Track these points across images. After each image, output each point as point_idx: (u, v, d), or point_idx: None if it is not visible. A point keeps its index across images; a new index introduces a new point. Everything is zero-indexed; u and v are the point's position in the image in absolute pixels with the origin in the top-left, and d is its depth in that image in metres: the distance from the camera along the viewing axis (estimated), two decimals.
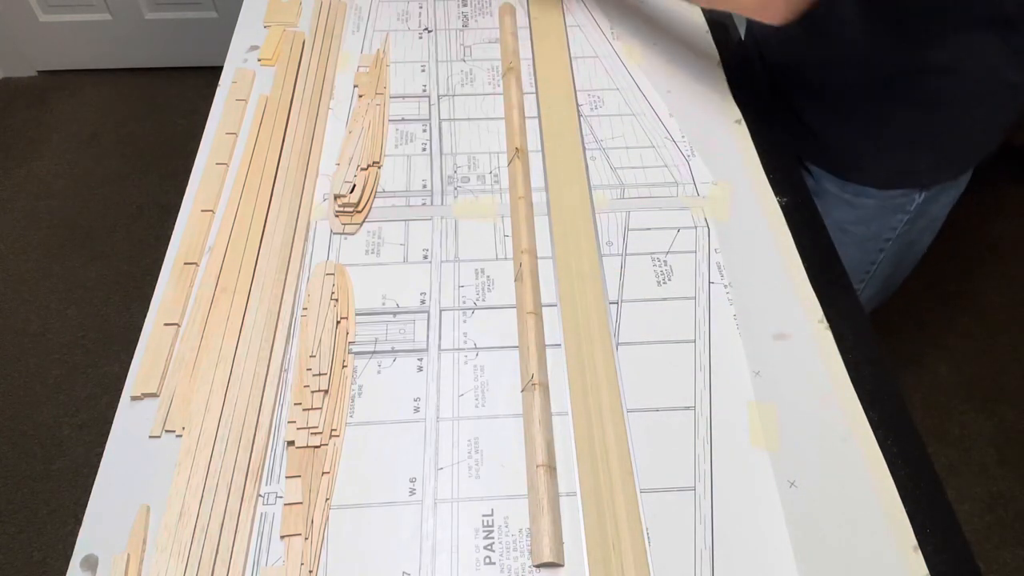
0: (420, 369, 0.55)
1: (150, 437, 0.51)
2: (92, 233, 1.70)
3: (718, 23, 0.83)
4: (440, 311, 0.58)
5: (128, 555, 0.45)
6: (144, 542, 0.46)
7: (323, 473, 0.49)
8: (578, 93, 0.76)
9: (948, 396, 1.45)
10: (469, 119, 0.74)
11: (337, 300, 0.58)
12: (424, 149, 0.71)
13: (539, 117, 0.73)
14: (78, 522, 0.47)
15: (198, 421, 0.51)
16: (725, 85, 0.77)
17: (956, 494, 1.32)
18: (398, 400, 0.53)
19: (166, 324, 0.56)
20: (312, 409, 0.51)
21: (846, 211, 0.77)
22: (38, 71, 2.06)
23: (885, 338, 1.45)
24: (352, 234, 0.64)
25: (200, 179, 0.67)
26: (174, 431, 0.51)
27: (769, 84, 0.81)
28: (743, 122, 0.73)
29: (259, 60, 0.78)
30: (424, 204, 0.66)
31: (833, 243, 0.64)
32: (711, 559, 0.46)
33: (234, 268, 0.60)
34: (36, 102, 2.00)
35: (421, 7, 0.87)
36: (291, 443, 0.50)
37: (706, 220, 0.65)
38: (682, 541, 0.47)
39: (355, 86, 0.77)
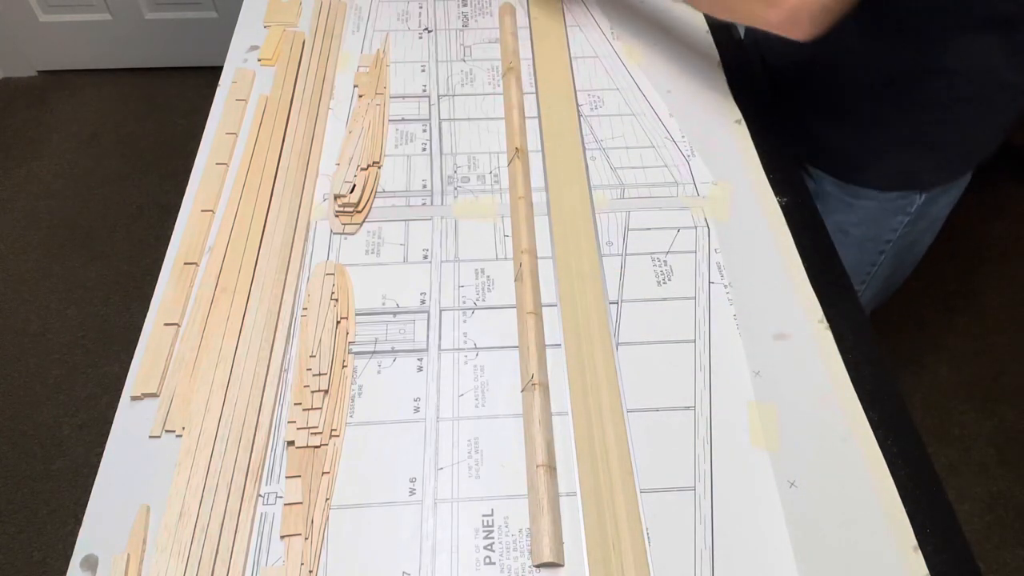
0: (420, 369, 0.55)
1: (150, 437, 0.51)
2: (92, 233, 1.70)
3: (718, 23, 0.83)
4: (440, 311, 0.58)
5: (128, 555, 0.45)
6: (144, 542, 0.46)
7: (323, 473, 0.49)
8: (578, 93, 0.76)
9: (948, 396, 1.45)
10: (469, 119, 0.74)
11: (337, 300, 0.58)
12: (424, 149, 0.71)
13: (539, 117, 0.73)
14: (78, 522, 0.47)
15: (198, 421, 0.51)
16: (725, 85, 0.77)
17: (956, 494, 1.32)
18: (398, 400, 0.53)
19: (166, 324, 0.56)
20: (312, 409, 0.51)
21: (847, 213, 0.77)
22: (38, 71, 2.06)
23: (885, 338, 1.45)
24: (352, 234, 0.64)
25: (200, 179, 0.67)
26: (174, 431, 0.51)
27: (770, 86, 0.81)
28: (743, 122, 0.73)
29: (259, 60, 0.78)
30: (424, 204, 0.66)
31: (833, 243, 0.64)
32: (711, 559, 0.46)
33: (234, 268, 0.60)
34: (36, 102, 2.00)
35: (421, 7, 0.87)
36: (291, 443, 0.50)
37: (706, 220, 0.65)
38: (682, 541, 0.47)
39: (355, 86, 0.77)
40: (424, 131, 0.73)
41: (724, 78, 0.77)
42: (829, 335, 0.57)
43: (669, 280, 0.61)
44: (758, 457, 0.51)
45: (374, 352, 0.56)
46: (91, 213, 1.74)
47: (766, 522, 0.48)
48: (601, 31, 0.84)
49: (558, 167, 0.69)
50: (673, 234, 0.64)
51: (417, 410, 0.53)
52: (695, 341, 0.57)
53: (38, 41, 1.98)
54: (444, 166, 0.69)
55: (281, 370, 0.54)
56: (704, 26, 0.83)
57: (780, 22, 0.58)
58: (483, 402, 0.53)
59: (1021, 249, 1.69)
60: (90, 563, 0.45)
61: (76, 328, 1.54)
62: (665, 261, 0.62)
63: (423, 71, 0.79)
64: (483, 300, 0.59)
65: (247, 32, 0.82)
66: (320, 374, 0.53)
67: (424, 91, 0.77)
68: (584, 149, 0.71)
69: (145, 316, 0.57)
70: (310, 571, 0.45)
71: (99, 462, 0.50)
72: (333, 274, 0.60)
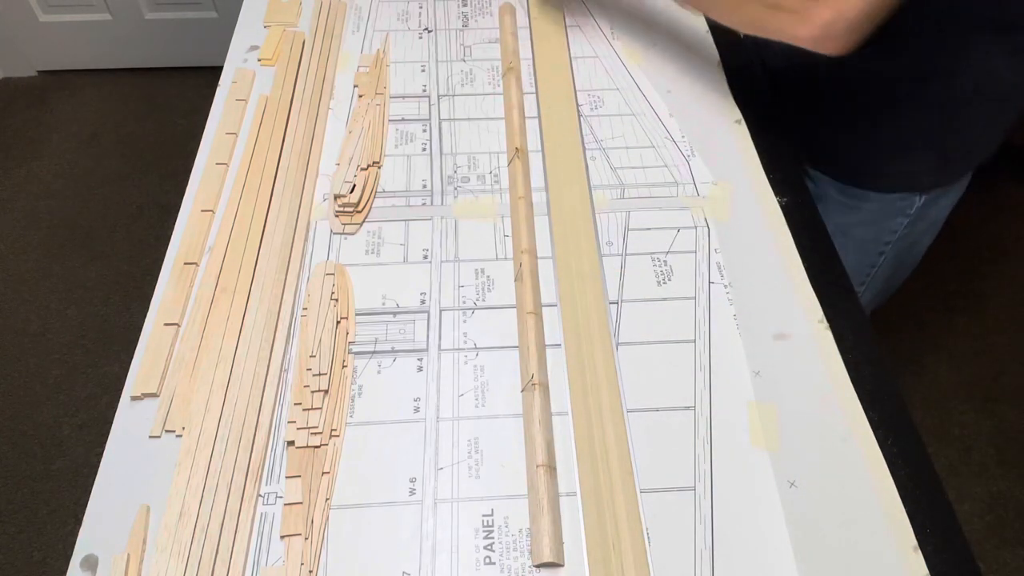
0: (420, 369, 0.55)
1: (150, 437, 0.51)
2: (92, 233, 1.70)
3: (718, 24, 0.83)
4: (440, 311, 0.58)
5: (128, 555, 0.45)
6: (144, 542, 0.46)
7: (323, 473, 0.49)
8: (578, 93, 0.76)
9: (948, 396, 1.45)
10: (469, 119, 0.74)
11: (337, 300, 0.58)
12: (424, 149, 0.71)
13: (539, 117, 0.73)
14: (78, 522, 0.47)
15: (198, 421, 0.51)
16: (725, 85, 0.77)
17: (956, 494, 1.32)
18: (398, 400, 0.53)
19: (166, 324, 0.56)
20: (312, 409, 0.51)
21: (846, 215, 0.77)
22: (38, 71, 2.06)
23: (885, 338, 1.45)
24: (352, 234, 0.64)
25: (200, 179, 0.67)
26: (174, 431, 0.51)
27: (769, 89, 0.81)
28: (743, 122, 0.73)
29: (259, 60, 0.78)
30: (424, 204, 0.66)
31: (833, 243, 0.64)
32: (711, 559, 0.46)
33: (234, 268, 0.60)
34: (36, 102, 2.00)
35: (421, 7, 0.87)
36: (291, 443, 0.50)
37: (706, 220, 0.65)
38: (682, 541, 0.47)
39: (355, 86, 0.77)
40: (424, 131, 0.73)
41: (724, 78, 0.77)
42: (829, 335, 0.57)
43: (669, 280, 0.61)
44: (758, 457, 0.51)
45: (374, 352, 0.56)
46: (91, 213, 1.74)
47: (766, 522, 0.48)
48: (601, 31, 0.84)
49: (558, 167, 0.69)
50: (673, 234, 0.64)
51: (417, 410, 0.53)
52: (695, 341, 0.57)
53: (38, 41, 1.98)
54: (444, 166, 0.69)
55: (281, 370, 0.54)
56: (704, 26, 0.83)
57: (813, 38, 0.55)
58: (483, 402, 0.53)
59: (1021, 249, 1.69)
60: (90, 563, 0.45)
61: (76, 328, 1.54)
62: (665, 261, 0.62)
63: (423, 71, 0.79)
64: (483, 300, 0.59)
65: (247, 32, 0.82)
66: (320, 374, 0.53)
67: (424, 91, 0.77)
68: (584, 149, 0.71)
69: (145, 316, 0.57)
70: (310, 571, 0.45)
71: (99, 462, 0.50)
72: (333, 274, 0.60)
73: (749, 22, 0.61)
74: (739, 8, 0.61)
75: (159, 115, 1.96)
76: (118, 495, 0.48)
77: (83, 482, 1.31)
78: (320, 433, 0.50)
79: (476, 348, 0.56)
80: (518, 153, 0.68)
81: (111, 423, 0.51)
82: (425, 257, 0.62)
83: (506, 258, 0.62)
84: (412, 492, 0.49)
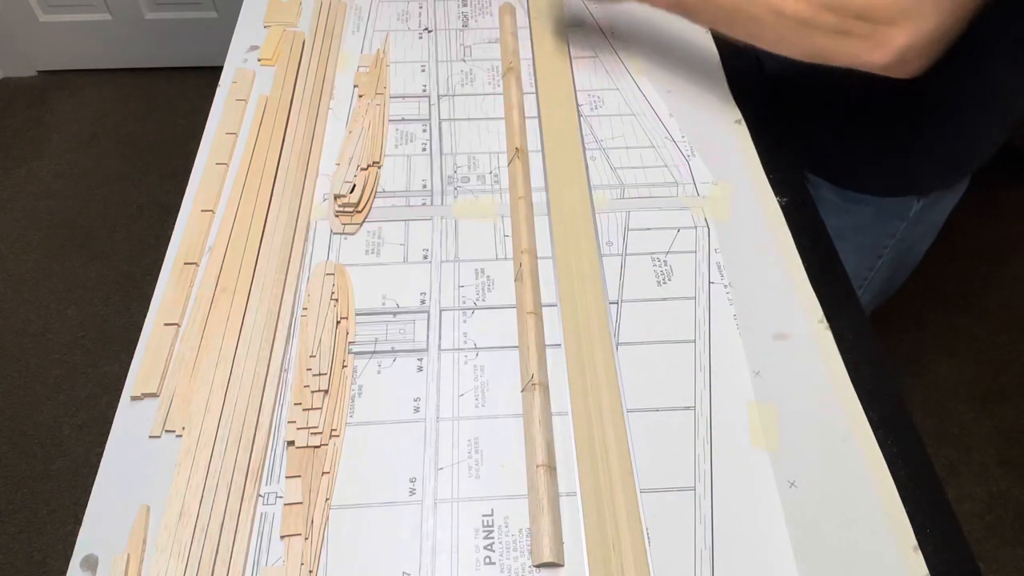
0: (420, 369, 0.55)
1: (150, 437, 0.51)
2: (92, 233, 1.70)
3: None
4: (440, 311, 0.58)
5: (128, 555, 0.45)
6: (144, 542, 0.46)
7: (323, 473, 0.49)
8: (578, 93, 0.76)
9: (948, 396, 1.45)
10: (469, 119, 0.74)
11: (337, 300, 0.58)
12: (424, 149, 0.71)
13: (539, 117, 0.73)
14: (78, 522, 0.47)
15: (198, 421, 0.51)
16: (725, 85, 0.77)
17: (956, 494, 1.32)
18: (398, 400, 0.53)
19: (166, 324, 0.56)
20: (312, 409, 0.51)
21: (845, 218, 0.77)
22: (38, 71, 2.06)
23: (885, 338, 1.45)
24: (352, 234, 0.64)
25: (200, 179, 0.67)
26: (174, 431, 0.51)
27: (768, 93, 0.81)
28: (743, 122, 0.73)
29: (259, 60, 0.78)
30: (424, 204, 0.66)
31: (833, 243, 0.64)
32: (711, 559, 0.46)
33: (234, 268, 0.60)
34: (36, 102, 2.00)
35: (421, 7, 0.87)
36: (291, 443, 0.50)
37: (706, 220, 0.65)
38: (682, 541, 0.47)
39: (355, 86, 0.77)
40: (424, 131, 0.73)
41: (724, 78, 0.77)
42: (829, 335, 0.57)
43: (669, 280, 0.61)
44: (758, 457, 0.51)
45: (374, 352, 0.56)
46: (91, 213, 1.74)
47: (766, 522, 0.48)
48: (601, 31, 0.84)
49: (558, 167, 0.69)
50: (673, 234, 0.64)
51: (417, 410, 0.53)
52: (695, 341, 0.57)
53: (38, 41, 1.98)
54: (444, 166, 0.69)
55: (281, 370, 0.54)
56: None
57: (887, 64, 0.52)
58: (483, 402, 0.53)
59: (1021, 249, 1.69)
60: (90, 563, 0.45)
61: (76, 328, 1.54)
62: (665, 261, 0.62)
63: (423, 71, 0.79)
64: (483, 300, 0.59)
65: (247, 32, 0.82)
66: (320, 374, 0.53)
67: (424, 91, 0.77)
68: (584, 149, 0.71)
69: (145, 316, 0.57)
70: (310, 571, 0.45)
71: (99, 462, 0.50)
72: (333, 274, 0.60)
73: (815, 52, 0.57)
74: (803, 38, 0.56)
75: (159, 115, 1.96)
76: (118, 495, 0.48)
77: (83, 482, 1.31)
78: (320, 433, 0.50)
79: (476, 348, 0.56)
80: (518, 153, 0.68)
81: (111, 423, 0.51)
82: (425, 257, 0.62)
83: (506, 258, 0.62)
84: (412, 492, 0.49)
